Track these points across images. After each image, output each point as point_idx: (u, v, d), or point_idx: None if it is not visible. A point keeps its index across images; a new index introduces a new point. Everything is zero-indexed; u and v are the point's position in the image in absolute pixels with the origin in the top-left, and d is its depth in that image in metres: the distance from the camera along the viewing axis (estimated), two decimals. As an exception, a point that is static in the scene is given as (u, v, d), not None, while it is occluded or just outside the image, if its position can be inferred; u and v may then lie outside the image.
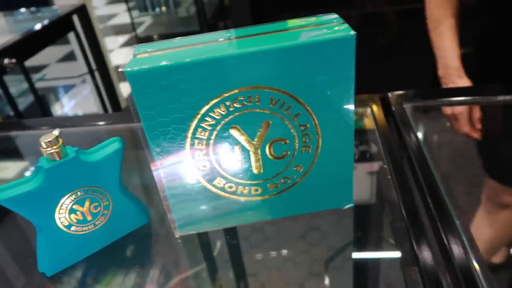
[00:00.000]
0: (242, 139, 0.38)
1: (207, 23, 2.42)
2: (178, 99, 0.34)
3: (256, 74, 0.34)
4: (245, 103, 0.36)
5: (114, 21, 3.65)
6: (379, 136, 0.55)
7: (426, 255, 0.38)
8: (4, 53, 0.98)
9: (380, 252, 0.43)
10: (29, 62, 1.36)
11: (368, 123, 0.60)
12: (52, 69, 2.47)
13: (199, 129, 0.37)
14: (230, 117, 0.36)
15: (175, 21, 2.58)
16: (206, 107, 0.35)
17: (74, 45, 1.74)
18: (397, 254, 0.41)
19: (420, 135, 0.57)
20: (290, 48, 0.33)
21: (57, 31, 1.31)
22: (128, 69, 0.33)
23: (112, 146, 0.40)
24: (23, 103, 1.31)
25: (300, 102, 0.36)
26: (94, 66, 1.60)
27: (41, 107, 1.25)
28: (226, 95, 0.35)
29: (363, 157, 0.56)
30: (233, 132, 0.37)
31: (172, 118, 0.36)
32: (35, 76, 1.61)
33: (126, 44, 2.95)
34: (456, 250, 0.39)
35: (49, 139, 0.36)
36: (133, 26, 2.57)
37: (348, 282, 0.41)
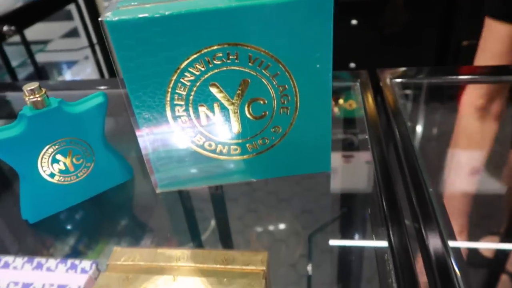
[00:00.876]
0: (221, 96, 0.39)
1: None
2: (157, 52, 0.35)
3: (235, 31, 0.35)
4: (224, 60, 0.37)
5: None
6: (365, 114, 0.56)
7: (402, 245, 0.37)
8: (4, 20, 0.99)
9: (356, 240, 0.43)
10: (32, 36, 1.36)
11: (357, 100, 0.61)
12: (55, 44, 2.48)
13: (179, 84, 0.38)
14: (210, 73, 0.37)
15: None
16: (186, 62, 0.36)
17: (77, 21, 1.74)
18: (372, 243, 0.41)
19: (407, 113, 0.57)
20: (268, 5, 0.34)
21: (57, 1, 1.31)
22: (108, 19, 0.33)
23: (96, 100, 0.41)
24: (22, 73, 1.32)
25: (279, 62, 0.37)
26: (95, 41, 1.61)
27: (40, 78, 1.26)
28: (205, 50, 0.36)
29: (348, 137, 0.56)
30: (213, 89, 0.38)
31: (152, 71, 0.36)
32: (36, 48, 1.61)
33: (131, 23, 2.93)
34: (434, 242, 0.38)
35: (32, 87, 0.37)
36: (137, 5, 2.56)
37: (324, 269, 0.41)
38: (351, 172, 0.51)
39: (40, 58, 1.99)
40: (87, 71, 2.32)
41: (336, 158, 0.50)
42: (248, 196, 0.47)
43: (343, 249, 0.42)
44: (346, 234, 0.43)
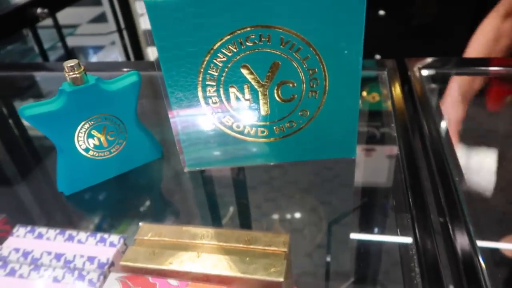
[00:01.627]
0: (251, 78, 0.40)
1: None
2: (192, 33, 0.36)
3: (268, 13, 0.36)
4: (256, 41, 0.37)
5: (146, -13, 3.66)
6: (391, 103, 0.55)
7: (428, 243, 0.36)
8: (37, 3, 1.02)
9: (380, 233, 0.42)
10: (61, 21, 1.40)
11: (381, 92, 0.61)
12: (83, 29, 2.53)
13: (211, 65, 0.39)
14: (242, 54, 0.38)
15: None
16: (219, 43, 0.37)
17: (106, 6, 1.77)
18: (396, 236, 0.40)
19: (434, 104, 0.57)
20: (303, -12, 0.34)
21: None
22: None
23: (130, 78, 0.42)
24: (51, 56, 1.36)
25: (310, 45, 0.38)
26: (123, 26, 1.63)
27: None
28: (238, 32, 0.37)
29: (370, 130, 0.55)
30: (244, 71, 0.39)
31: (186, 51, 0.37)
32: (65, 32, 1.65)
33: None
34: (461, 240, 0.36)
35: (72, 64, 0.38)
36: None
37: (345, 263, 0.40)
38: (374, 165, 0.51)
39: (68, 42, 2.04)
40: (113, 56, 2.36)
41: (359, 151, 0.49)
42: (270, 182, 0.48)
43: (366, 241, 0.42)
44: (369, 226, 0.43)
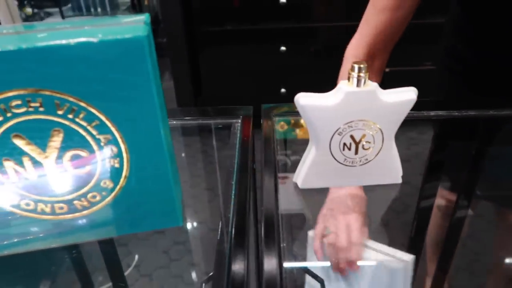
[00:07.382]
0: (29, 149, 0.33)
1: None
2: None
3: (31, 75, 0.30)
4: (26, 108, 0.31)
5: None
6: (240, 150, 0.52)
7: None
8: None
9: None
10: None
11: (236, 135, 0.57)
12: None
13: (-28, 136, 0.31)
14: (10, 123, 0.31)
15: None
16: (-27, 111, 0.29)
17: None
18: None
19: (283, 152, 0.55)
20: (66, 46, 0.29)
21: None
22: None
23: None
24: None
25: (94, 109, 0.32)
26: None
27: None
28: (-3, 97, 0.30)
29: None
30: (18, 141, 0.32)
31: None
32: None
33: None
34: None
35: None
36: None
37: None
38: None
39: None
40: None
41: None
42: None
43: None
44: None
